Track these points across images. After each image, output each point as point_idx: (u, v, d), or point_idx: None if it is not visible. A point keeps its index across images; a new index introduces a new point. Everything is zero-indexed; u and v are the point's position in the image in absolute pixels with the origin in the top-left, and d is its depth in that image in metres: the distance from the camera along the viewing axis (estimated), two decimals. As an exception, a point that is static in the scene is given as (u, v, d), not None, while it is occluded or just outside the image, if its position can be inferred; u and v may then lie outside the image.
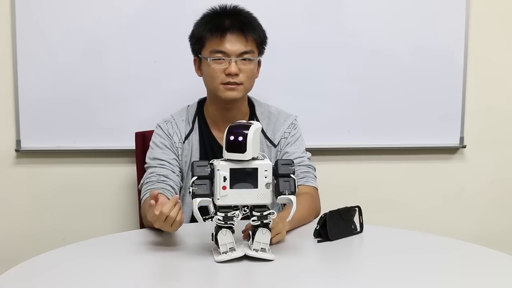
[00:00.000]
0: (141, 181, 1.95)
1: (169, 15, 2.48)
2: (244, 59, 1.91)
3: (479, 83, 2.72)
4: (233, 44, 1.89)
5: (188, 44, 2.47)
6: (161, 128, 1.99)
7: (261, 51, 1.97)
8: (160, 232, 1.84)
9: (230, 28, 1.90)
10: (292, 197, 1.47)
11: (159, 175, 1.90)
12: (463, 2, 2.63)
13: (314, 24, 2.55)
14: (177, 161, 1.96)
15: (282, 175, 1.48)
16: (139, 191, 2.27)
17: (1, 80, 2.46)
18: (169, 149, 1.96)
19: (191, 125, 2.00)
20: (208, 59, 1.90)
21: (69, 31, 2.44)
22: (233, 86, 1.91)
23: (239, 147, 1.46)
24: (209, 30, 1.91)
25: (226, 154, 1.47)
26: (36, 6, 2.41)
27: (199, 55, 1.96)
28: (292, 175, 1.49)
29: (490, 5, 2.70)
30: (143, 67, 2.49)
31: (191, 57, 2.54)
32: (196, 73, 2.02)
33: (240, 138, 1.45)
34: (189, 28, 2.48)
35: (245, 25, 1.92)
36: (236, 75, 1.90)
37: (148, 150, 2.00)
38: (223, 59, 1.90)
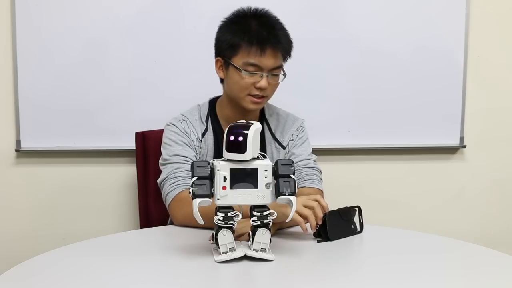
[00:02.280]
0: (164, 176, 1.87)
1: (168, 16, 2.48)
2: (274, 74, 1.89)
3: (479, 84, 2.73)
4: (268, 59, 1.85)
5: (188, 44, 2.49)
6: (177, 127, 1.94)
7: (285, 61, 1.94)
8: (161, 232, 1.84)
9: (269, 43, 1.84)
10: (292, 198, 1.47)
11: (187, 170, 1.83)
12: (463, 3, 2.64)
13: (314, 24, 2.56)
14: (197, 159, 1.92)
15: (282, 175, 1.48)
16: (140, 191, 2.28)
17: (1, 80, 2.46)
18: (189, 146, 1.92)
19: (205, 124, 1.97)
20: (242, 71, 1.85)
21: (69, 30, 2.44)
22: (259, 99, 1.90)
23: (239, 147, 1.45)
24: (248, 41, 1.84)
25: (226, 154, 1.47)
26: (36, 7, 2.41)
27: (229, 61, 1.87)
28: (292, 176, 1.48)
29: (490, 6, 2.70)
30: (143, 67, 2.50)
31: (190, 57, 2.54)
32: (216, 73, 1.94)
33: (240, 138, 1.45)
34: (189, 29, 2.49)
35: (279, 41, 1.87)
36: (265, 89, 1.88)
37: (163, 148, 1.93)
38: (256, 72, 1.86)
